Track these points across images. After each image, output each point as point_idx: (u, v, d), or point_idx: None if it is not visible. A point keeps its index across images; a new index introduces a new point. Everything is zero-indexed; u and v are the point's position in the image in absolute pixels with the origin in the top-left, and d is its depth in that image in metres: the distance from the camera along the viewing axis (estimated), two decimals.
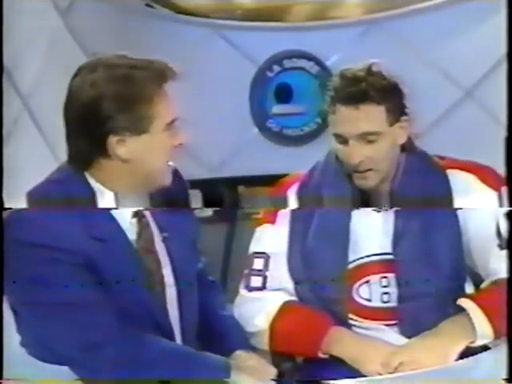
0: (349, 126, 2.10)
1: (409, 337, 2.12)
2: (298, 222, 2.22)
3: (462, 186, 2.16)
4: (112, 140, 1.85)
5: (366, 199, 2.20)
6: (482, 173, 2.19)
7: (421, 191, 2.16)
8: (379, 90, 2.08)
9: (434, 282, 2.12)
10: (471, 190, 2.16)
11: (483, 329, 2.04)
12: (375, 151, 2.11)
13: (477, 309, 2.05)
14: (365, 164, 2.11)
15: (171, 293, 1.98)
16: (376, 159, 2.12)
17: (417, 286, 2.12)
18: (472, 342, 2.05)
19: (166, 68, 1.89)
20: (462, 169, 2.19)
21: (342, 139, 2.12)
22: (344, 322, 2.16)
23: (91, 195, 1.89)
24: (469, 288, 2.18)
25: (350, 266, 2.17)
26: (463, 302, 2.08)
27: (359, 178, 2.15)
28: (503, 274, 2.07)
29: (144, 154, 1.88)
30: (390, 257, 2.15)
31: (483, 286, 2.15)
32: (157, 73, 1.87)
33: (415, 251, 2.13)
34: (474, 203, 2.15)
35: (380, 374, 2.02)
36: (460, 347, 2.04)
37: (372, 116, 2.09)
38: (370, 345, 2.11)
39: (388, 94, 2.10)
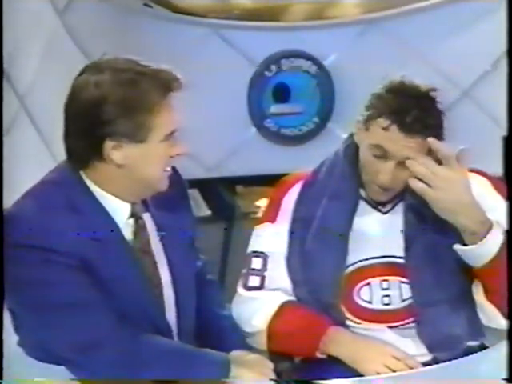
0: (397, 148, 2.06)
1: (426, 340, 2.12)
2: (299, 221, 2.22)
3: (476, 189, 2.15)
4: (108, 144, 1.84)
5: (371, 200, 2.20)
6: (494, 179, 2.19)
7: None
8: (436, 127, 2.07)
9: (447, 286, 2.11)
10: (485, 193, 2.14)
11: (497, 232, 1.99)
12: (406, 175, 2.06)
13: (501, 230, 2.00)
14: (391, 183, 2.10)
15: (168, 293, 1.98)
16: (403, 181, 2.09)
17: (429, 290, 2.12)
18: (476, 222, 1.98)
19: (173, 78, 1.87)
20: (475, 172, 2.19)
21: (383, 155, 2.09)
22: (340, 325, 2.15)
23: (87, 196, 1.89)
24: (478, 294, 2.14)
25: (352, 267, 2.17)
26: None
27: (377, 193, 2.14)
28: None
29: (139, 161, 1.87)
30: (393, 260, 2.15)
31: None
32: (163, 82, 1.86)
33: (427, 256, 2.12)
34: (487, 207, 2.13)
35: (378, 374, 2.02)
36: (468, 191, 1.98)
37: (421, 147, 2.06)
38: (367, 344, 2.11)
39: (440, 130, 2.09)
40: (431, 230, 2.12)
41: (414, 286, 2.14)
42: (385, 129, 2.07)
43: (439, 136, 2.08)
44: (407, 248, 2.14)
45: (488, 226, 1.99)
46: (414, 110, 2.05)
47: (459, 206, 1.97)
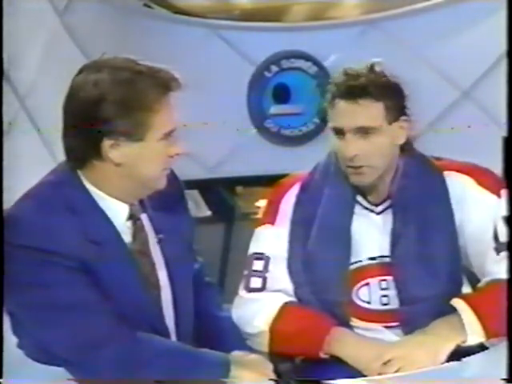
0: (346, 119, 2.10)
1: None
2: (299, 223, 2.22)
3: (458, 189, 2.15)
4: (106, 143, 1.83)
5: (365, 200, 2.20)
6: (480, 175, 2.18)
7: (419, 194, 2.16)
8: (379, 87, 2.09)
9: (432, 284, 2.11)
10: (467, 192, 2.15)
11: (473, 328, 2.03)
12: (371, 147, 2.11)
13: (467, 309, 2.05)
14: (359, 159, 2.11)
15: (166, 295, 1.98)
16: (371, 155, 2.11)
17: (415, 288, 2.12)
18: (463, 342, 2.04)
19: (172, 78, 1.86)
20: (459, 171, 2.19)
21: (340, 132, 2.12)
22: (345, 324, 2.15)
23: (86, 197, 1.89)
24: (466, 290, 2.17)
25: (350, 268, 2.17)
26: (455, 302, 2.08)
27: (354, 174, 2.14)
28: (499, 275, 2.06)
29: (137, 160, 1.87)
30: (389, 259, 2.15)
31: (478, 286, 2.14)
32: (161, 82, 1.85)
33: (412, 254, 2.12)
34: (471, 206, 2.14)
35: (380, 374, 2.02)
36: (450, 346, 2.03)
37: (370, 111, 2.09)
38: (371, 345, 2.11)
39: (388, 92, 2.11)
40: (417, 230, 2.13)
41: (397, 283, 2.14)
42: (332, 107, 2.12)
43: (389, 98, 2.10)
44: (393, 246, 2.14)
45: (461, 329, 2.03)
46: (354, 81, 2.09)
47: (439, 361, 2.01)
